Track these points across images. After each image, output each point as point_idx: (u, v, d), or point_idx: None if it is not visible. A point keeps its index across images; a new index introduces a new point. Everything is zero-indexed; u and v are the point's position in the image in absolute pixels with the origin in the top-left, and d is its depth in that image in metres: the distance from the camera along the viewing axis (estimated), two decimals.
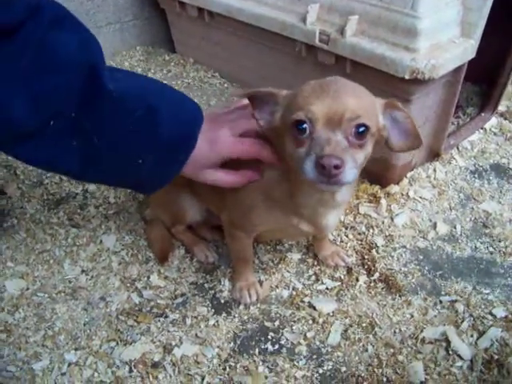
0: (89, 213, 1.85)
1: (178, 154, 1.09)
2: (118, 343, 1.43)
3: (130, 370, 1.37)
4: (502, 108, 2.40)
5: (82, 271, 1.64)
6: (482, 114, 2.35)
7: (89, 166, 1.04)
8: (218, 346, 1.42)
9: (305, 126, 0.99)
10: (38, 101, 0.91)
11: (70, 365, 1.39)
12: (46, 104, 0.92)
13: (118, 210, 1.86)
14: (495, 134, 2.29)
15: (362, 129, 0.98)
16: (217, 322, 1.48)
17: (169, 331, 1.46)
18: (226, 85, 2.67)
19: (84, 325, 1.49)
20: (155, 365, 1.38)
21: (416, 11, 1.56)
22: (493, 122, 2.34)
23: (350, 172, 0.96)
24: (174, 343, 1.42)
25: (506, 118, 2.37)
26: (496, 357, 1.36)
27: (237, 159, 1.16)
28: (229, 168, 1.19)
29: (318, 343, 1.43)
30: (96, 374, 1.37)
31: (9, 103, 0.88)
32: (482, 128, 2.31)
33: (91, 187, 1.97)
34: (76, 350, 1.42)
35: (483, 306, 1.50)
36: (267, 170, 1.21)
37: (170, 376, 1.36)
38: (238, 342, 1.43)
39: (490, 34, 1.68)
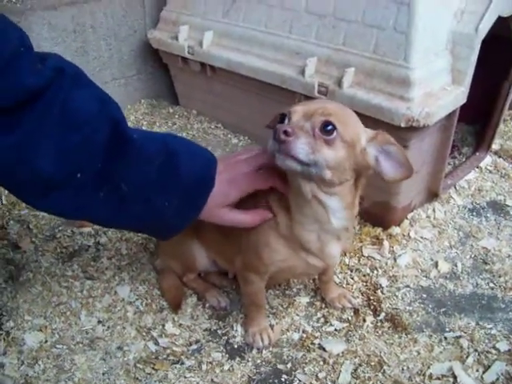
0: (102, 264, 1.90)
1: (198, 194, 1.17)
2: None
3: None
4: (495, 146, 2.48)
5: (99, 322, 1.68)
6: (477, 154, 2.43)
7: (116, 213, 1.10)
8: None
9: (286, 119, 1.12)
10: (64, 156, 0.97)
11: None
12: (72, 159, 0.99)
13: (131, 261, 1.91)
14: (490, 171, 2.37)
15: (329, 127, 1.08)
16: (231, 366, 1.52)
17: (185, 377, 1.49)
18: (229, 135, 2.74)
19: (103, 374, 1.52)
20: None
21: (408, 62, 1.65)
22: (487, 160, 2.42)
23: (301, 147, 1.05)
24: None
25: (500, 156, 2.45)
26: None
27: (248, 195, 1.26)
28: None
29: (329, 383, 1.47)
30: None
31: (35, 160, 0.95)
32: (477, 167, 2.38)
33: (103, 239, 2.02)
34: None
35: (487, 341, 1.55)
36: (275, 206, 1.31)
37: None
38: None
39: (480, 76, 1.77)
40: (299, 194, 1.20)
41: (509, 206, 2.16)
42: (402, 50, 1.66)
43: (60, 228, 2.09)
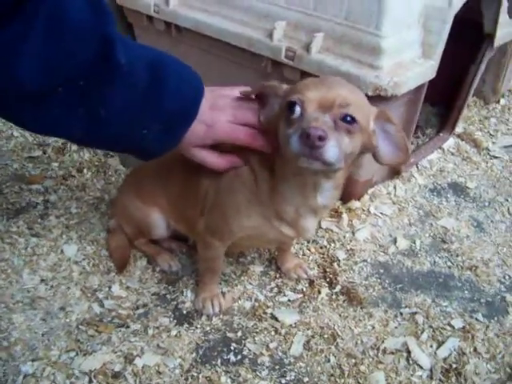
0: (50, 222, 1.82)
1: (177, 126, 1.11)
2: (77, 353, 1.40)
3: (90, 381, 1.34)
4: (459, 129, 2.47)
5: (42, 281, 1.61)
6: (441, 135, 2.42)
7: (92, 133, 1.04)
8: (180, 357, 1.41)
9: (296, 107, 1.02)
10: (48, 66, 0.89)
11: (25, 376, 1.34)
12: (56, 70, 0.91)
13: (80, 221, 1.84)
14: (453, 154, 2.35)
15: (349, 118, 1.01)
16: (179, 332, 1.47)
17: (130, 341, 1.44)
18: None
19: (42, 335, 1.45)
20: (116, 375, 1.35)
21: (380, 30, 1.60)
22: (450, 142, 2.41)
23: (332, 150, 0.97)
24: (135, 353, 1.40)
25: (462, 139, 2.44)
26: (454, 365, 1.40)
27: (228, 145, 1.20)
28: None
29: (280, 354, 1.43)
30: None
31: (17, 66, 0.86)
32: (440, 148, 2.37)
33: (52, 197, 1.94)
34: (33, 361, 1.38)
35: (442, 318, 1.55)
36: (256, 166, 1.24)
37: None
38: (201, 353, 1.42)
39: (447, 58, 1.73)
40: (294, 175, 1.15)
41: (469, 188, 2.14)
42: (374, 17, 1.61)
43: (8, 184, 2.00)
